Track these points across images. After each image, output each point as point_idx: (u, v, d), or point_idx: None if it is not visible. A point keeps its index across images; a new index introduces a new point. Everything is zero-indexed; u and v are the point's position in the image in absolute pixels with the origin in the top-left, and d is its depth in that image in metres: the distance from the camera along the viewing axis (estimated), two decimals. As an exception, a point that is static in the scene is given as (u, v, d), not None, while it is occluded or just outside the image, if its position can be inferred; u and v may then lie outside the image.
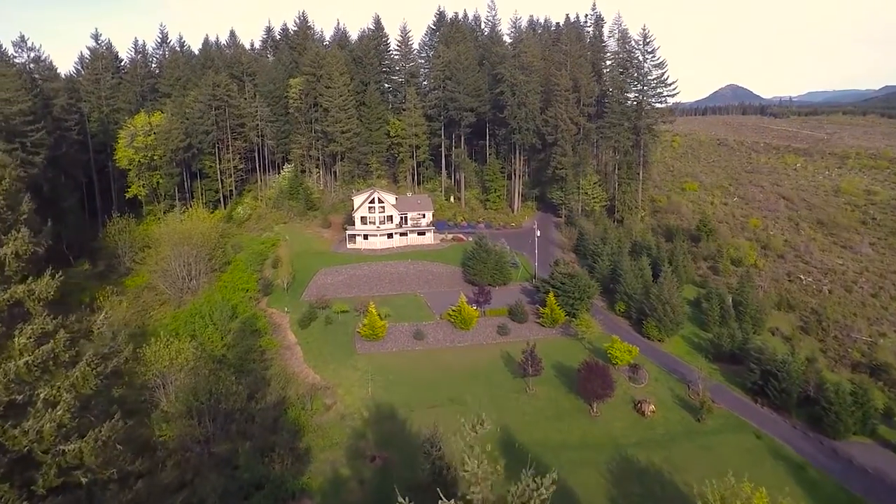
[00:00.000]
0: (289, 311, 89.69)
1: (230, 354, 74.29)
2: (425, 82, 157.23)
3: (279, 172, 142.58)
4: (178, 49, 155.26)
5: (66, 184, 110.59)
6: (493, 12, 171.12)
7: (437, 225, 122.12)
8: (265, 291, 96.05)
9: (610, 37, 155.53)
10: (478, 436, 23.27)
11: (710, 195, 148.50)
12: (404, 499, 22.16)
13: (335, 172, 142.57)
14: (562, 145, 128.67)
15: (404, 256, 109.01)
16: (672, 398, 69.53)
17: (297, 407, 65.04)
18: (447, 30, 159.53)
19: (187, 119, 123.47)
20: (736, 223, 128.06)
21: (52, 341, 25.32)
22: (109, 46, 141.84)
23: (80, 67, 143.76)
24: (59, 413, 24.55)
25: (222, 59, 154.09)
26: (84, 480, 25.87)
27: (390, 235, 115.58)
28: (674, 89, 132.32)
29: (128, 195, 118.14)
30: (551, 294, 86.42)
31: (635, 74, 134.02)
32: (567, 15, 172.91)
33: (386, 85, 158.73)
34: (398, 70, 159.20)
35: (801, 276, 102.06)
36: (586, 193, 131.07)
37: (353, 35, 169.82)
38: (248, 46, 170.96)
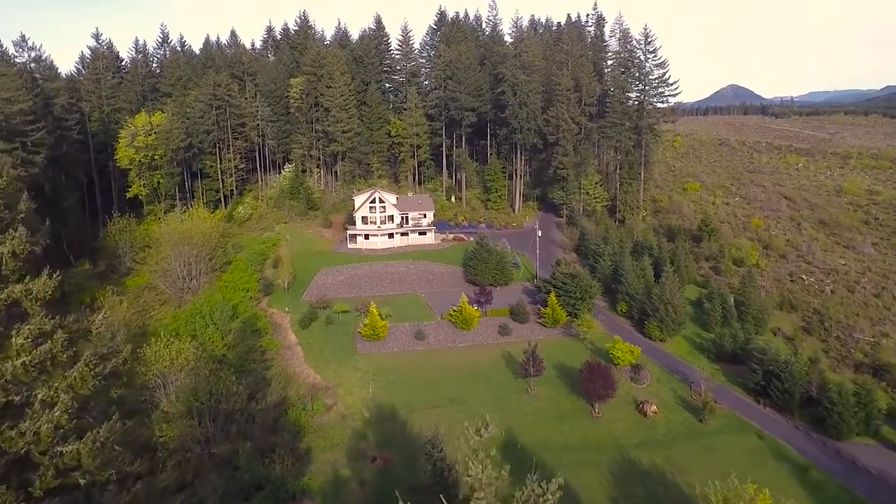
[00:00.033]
0: (289, 311, 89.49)
1: (231, 354, 74.12)
2: (426, 82, 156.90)
3: (280, 172, 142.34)
4: (178, 49, 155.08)
5: (67, 183, 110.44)
6: (494, 12, 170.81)
7: (438, 225, 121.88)
8: (266, 291, 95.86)
9: (611, 36, 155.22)
10: (482, 440, 22.75)
11: (712, 195, 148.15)
12: (406, 502, 21.87)
13: (336, 172, 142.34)
14: (563, 145, 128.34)
15: (405, 256, 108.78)
16: (674, 399, 69.30)
17: (298, 407, 64.86)
18: (448, 29, 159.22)
19: (188, 119, 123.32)
20: (738, 223, 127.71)
21: (49, 342, 25.07)
22: (110, 46, 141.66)
23: (80, 67, 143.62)
24: (56, 414, 24.31)
25: (223, 58, 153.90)
26: (82, 482, 25.67)
27: (391, 235, 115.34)
28: (675, 89, 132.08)
29: (128, 195, 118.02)
30: (553, 294, 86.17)
31: (637, 74, 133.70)
32: (568, 14, 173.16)
33: (387, 84, 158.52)
34: (399, 70, 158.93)
35: (804, 276, 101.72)
36: (588, 193, 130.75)
37: (354, 35, 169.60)
38: (248, 46, 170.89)
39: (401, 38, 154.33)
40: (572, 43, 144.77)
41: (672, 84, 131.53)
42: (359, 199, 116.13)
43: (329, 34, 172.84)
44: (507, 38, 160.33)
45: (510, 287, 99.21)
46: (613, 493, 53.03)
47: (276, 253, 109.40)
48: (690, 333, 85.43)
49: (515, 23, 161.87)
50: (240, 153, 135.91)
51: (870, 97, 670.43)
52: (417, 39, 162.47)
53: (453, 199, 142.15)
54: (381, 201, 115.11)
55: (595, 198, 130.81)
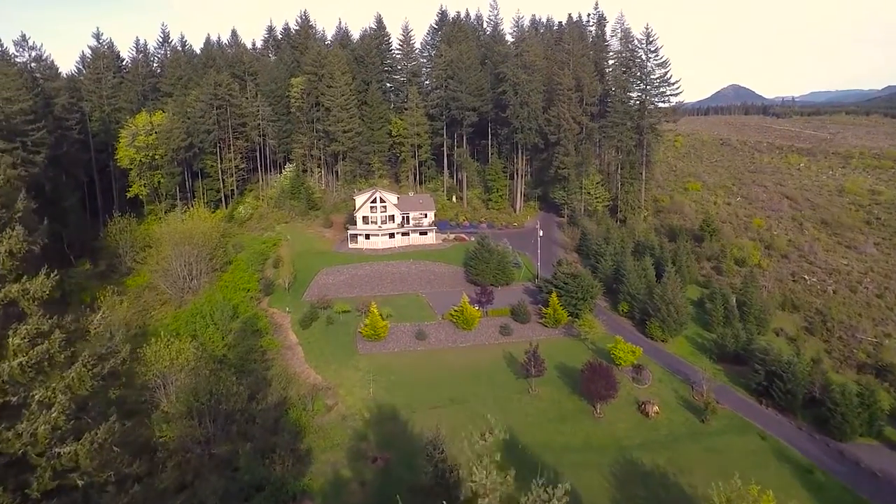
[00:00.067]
0: (290, 311, 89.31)
1: (231, 355, 73.93)
2: (427, 81, 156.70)
3: (281, 172, 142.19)
4: (179, 48, 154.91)
5: (67, 183, 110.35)
6: (496, 11, 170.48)
7: (439, 225, 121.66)
8: (266, 291, 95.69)
9: (612, 36, 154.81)
10: (487, 444, 22.27)
11: (714, 195, 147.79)
12: (407, 504, 21.59)
13: (337, 172, 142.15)
14: (564, 145, 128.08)
15: (406, 256, 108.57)
16: (676, 399, 69.05)
17: (299, 408, 64.63)
18: (449, 29, 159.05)
19: (189, 118, 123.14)
20: (739, 223, 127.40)
21: (46, 342, 24.84)
22: (111, 46, 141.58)
23: (81, 67, 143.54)
24: (53, 415, 24.05)
25: (224, 58, 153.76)
26: (80, 483, 25.45)
27: (392, 235, 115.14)
28: (677, 88, 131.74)
29: (129, 195, 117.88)
30: (554, 294, 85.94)
31: (638, 73, 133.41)
32: (569, 14, 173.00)
33: (388, 84, 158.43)
34: (400, 69, 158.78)
35: (806, 277, 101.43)
36: (589, 193, 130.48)
37: (355, 34, 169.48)
38: (249, 46, 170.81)
39: (402, 37, 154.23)
40: (573, 42, 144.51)
41: (674, 84, 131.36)
42: (360, 199, 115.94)
43: (330, 34, 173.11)
44: (509, 38, 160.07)
45: (511, 287, 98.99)
46: (615, 495, 52.74)
47: (277, 253, 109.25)
48: (692, 334, 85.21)
49: (516, 22, 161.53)
50: (240, 153, 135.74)
51: (871, 97, 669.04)
52: (418, 39, 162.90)
53: (454, 198, 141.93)
54: (382, 201, 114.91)
55: (596, 198, 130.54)
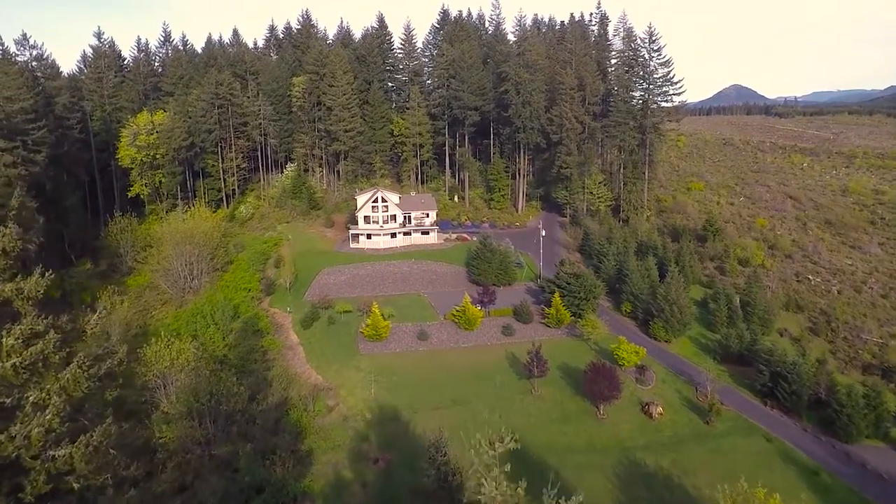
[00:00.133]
0: (291, 311, 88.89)
1: (232, 355, 73.47)
2: (429, 81, 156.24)
3: (282, 171, 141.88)
4: (180, 48, 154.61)
5: (68, 182, 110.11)
6: (498, 11, 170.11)
7: (441, 224, 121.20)
8: (267, 291, 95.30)
9: (615, 35, 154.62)
10: (496, 454, 21.28)
11: (716, 195, 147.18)
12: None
13: (338, 171, 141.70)
14: (567, 144, 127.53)
15: (408, 256, 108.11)
16: (680, 400, 68.49)
17: (299, 408, 64.15)
18: (451, 28, 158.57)
19: (190, 118, 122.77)
20: (742, 223, 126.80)
21: (41, 342, 24.35)
22: (112, 45, 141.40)
23: (82, 66, 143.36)
24: (48, 417, 23.55)
25: (225, 57, 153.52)
26: (76, 486, 24.96)
27: (394, 235, 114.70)
28: (680, 88, 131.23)
29: (130, 194, 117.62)
30: (557, 294, 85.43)
31: (641, 73, 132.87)
32: (571, 14, 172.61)
33: (389, 84, 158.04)
34: (402, 69, 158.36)
35: (810, 277, 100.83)
36: (591, 193, 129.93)
37: (357, 33, 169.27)
38: (251, 45, 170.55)
39: (403, 36, 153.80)
40: (576, 42, 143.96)
41: (676, 83, 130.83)
42: (361, 199, 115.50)
43: (332, 33, 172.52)
44: (511, 37, 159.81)
45: (513, 287, 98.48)
46: (619, 496, 52.24)
47: (278, 252, 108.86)
48: (696, 334, 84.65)
49: (519, 21, 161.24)
50: (242, 152, 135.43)
51: (873, 97, 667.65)
52: (420, 38, 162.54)
53: (456, 198, 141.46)
54: (384, 201, 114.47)
55: (599, 197, 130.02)
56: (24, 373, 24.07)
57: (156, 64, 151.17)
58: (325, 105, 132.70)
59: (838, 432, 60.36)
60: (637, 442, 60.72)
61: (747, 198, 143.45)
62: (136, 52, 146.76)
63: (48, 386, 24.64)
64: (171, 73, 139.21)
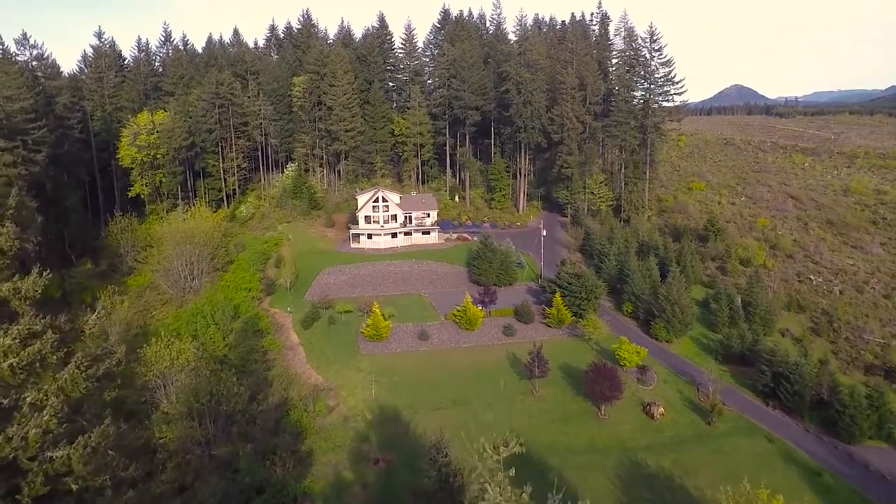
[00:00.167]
0: (291, 311, 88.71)
1: (232, 355, 73.26)
2: (430, 81, 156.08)
3: (283, 171, 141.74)
4: (181, 47, 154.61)
5: (69, 182, 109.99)
6: (499, 10, 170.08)
7: (442, 224, 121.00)
8: (268, 291, 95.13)
9: (616, 35, 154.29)
10: (501, 459, 20.79)
11: (718, 195, 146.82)
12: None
13: (339, 171, 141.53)
14: (568, 144, 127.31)
15: (408, 256, 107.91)
16: (681, 400, 68.23)
17: (300, 409, 63.94)
18: (452, 28, 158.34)
19: (190, 118, 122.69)
20: (744, 223, 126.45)
21: (38, 342, 24.12)
22: (113, 45, 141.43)
23: (83, 66, 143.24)
24: (45, 418, 23.34)
25: (226, 57, 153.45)
26: (74, 488, 24.76)
27: (394, 235, 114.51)
28: (681, 87, 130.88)
29: (130, 194, 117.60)
30: (558, 294, 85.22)
31: (642, 72, 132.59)
32: (572, 13, 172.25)
33: (390, 83, 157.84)
34: (402, 68, 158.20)
35: (811, 277, 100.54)
36: (592, 193, 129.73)
37: (358, 33, 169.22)
38: (251, 45, 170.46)
39: (404, 36, 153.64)
40: (577, 41, 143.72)
41: (678, 83, 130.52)
42: (362, 199, 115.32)
43: (332, 33, 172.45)
44: (512, 37, 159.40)
45: (514, 287, 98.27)
46: (620, 497, 52.00)
47: (279, 252, 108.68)
48: (697, 334, 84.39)
49: (519, 21, 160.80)
50: (242, 152, 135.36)
51: (874, 97, 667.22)
52: (421, 38, 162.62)
53: (457, 198, 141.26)
54: (385, 200, 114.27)
55: (600, 197, 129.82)
56: (21, 373, 23.86)
57: (156, 64, 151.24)
58: (325, 105, 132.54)
59: (841, 433, 60.04)
60: (638, 442, 60.46)
61: (748, 198, 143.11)
62: (136, 51, 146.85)
63: (46, 386, 24.43)
64: (172, 72, 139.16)
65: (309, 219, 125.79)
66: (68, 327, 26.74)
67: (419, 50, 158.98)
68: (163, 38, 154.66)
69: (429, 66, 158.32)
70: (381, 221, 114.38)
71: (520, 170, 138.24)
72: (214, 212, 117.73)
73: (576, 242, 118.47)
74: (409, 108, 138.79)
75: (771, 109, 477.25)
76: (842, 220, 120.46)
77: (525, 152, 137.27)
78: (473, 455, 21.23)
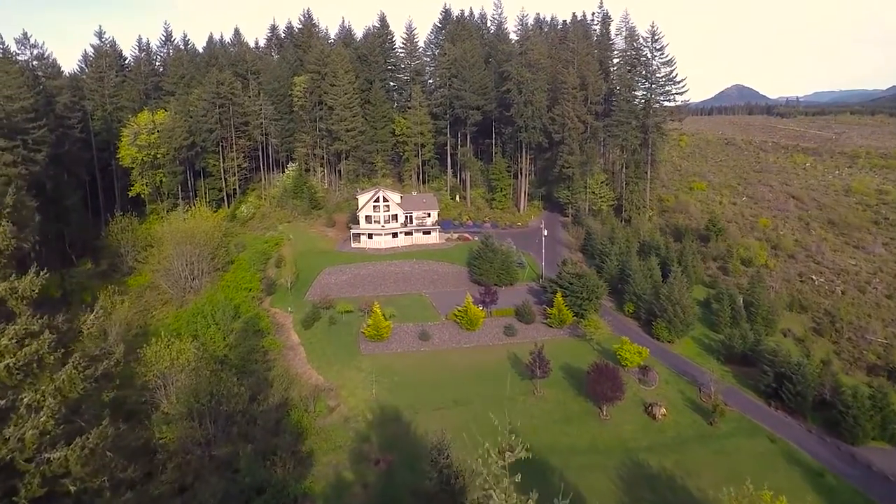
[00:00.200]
0: (292, 311, 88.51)
1: (232, 355, 73.03)
2: (431, 80, 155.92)
3: (283, 171, 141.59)
4: (182, 47, 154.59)
5: (69, 182, 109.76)
6: (500, 10, 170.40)
7: (443, 224, 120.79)
8: (268, 291, 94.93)
9: (617, 35, 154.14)
10: (506, 464, 20.26)
11: (719, 195, 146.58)
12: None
13: (340, 171, 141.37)
14: (569, 144, 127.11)
15: (409, 256, 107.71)
16: (683, 401, 67.97)
17: (300, 409, 63.71)
18: (453, 27, 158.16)
19: (191, 117, 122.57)
20: (745, 223, 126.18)
21: (36, 342, 23.90)
22: (113, 44, 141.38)
23: (83, 65, 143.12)
24: (42, 419, 23.11)
25: (226, 57, 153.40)
26: (72, 489, 24.54)
27: (395, 235, 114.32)
28: (682, 87, 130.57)
29: (131, 193, 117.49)
30: (559, 294, 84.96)
31: (643, 72, 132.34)
32: (573, 13, 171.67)
33: (391, 83, 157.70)
34: (403, 68, 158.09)
35: (813, 277, 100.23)
36: (593, 192, 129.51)
37: (359, 33, 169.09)
38: (252, 44, 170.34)
39: (405, 36, 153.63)
40: (578, 41, 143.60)
41: (679, 82, 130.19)
42: (362, 199, 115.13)
43: (333, 32, 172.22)
44: (513, 36, 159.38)
45: (515, 287, 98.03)
46: (622, 498, 51.78)
47: (279, 252, 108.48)
48: (699, 334, 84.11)
49: (521, 21, 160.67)
50: (243, 152, 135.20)
51: (875, 97, 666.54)
52: (422, 38, 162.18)
53: (458, 198, 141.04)
54: (385, 200, 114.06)
55: (601, 197, 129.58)
56: (17, 374, 23.64)
57: (157, 63, 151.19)
58: (326, 104, 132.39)
59: (843, 433, 59.78)
60: (640, 443, 60.23)
61: (750, 197, 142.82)
62: (137, 51, 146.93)
63: (43, 387, 24.20)
64: (173, 72, 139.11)
65: (309, 218, 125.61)
66: (66, 327, 26.52)
67: (420, 49, 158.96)
68: (163, 38, 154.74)
69: (430, 66, 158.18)
70: (382, 221, 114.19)
71: (521, 169, 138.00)
72: (215, 211, 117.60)
73: (577, 242, 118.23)
74: (409, 108, 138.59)
75: (772, 109, 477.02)
76: (843, 220, 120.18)
77: (526, 152, 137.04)
78: (477, 459, 20.71)
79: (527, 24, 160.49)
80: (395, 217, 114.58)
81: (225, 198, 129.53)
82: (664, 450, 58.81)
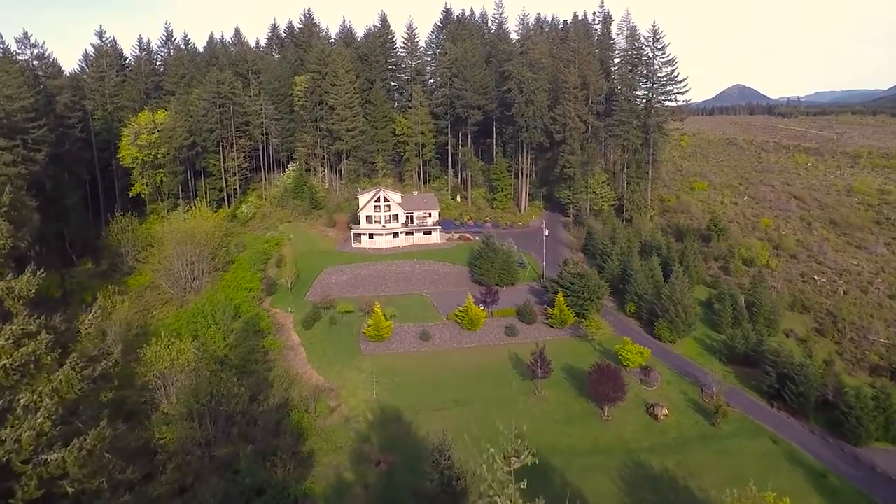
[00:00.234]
0: (292, 311, 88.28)
1: (232, 355, 72.88)
2: (432, 80, 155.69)
3: (284, 171, 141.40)
4: (182, 47, 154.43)
5: (70, 181, 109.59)
6: (501, 10, 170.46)
7: (444, 224, 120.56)
8: (269, 291, 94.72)
9: (618, 34, 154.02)
10: (512, 470, 19.82)
11: (720, 194, 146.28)
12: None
13: (340, 171, 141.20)
14: (570, 143, 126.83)
15: (410, 256, 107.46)
16: (685, 401, 67.70)
17: (300, 409, 63.52)
18: (454, 27, 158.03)
19: (191, 117, 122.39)
20: (747, 223, 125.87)
21: (33, 343, 23.66)
22: (114, 44, 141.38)
23: (84, 65, 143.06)
24: (39, 420, 22.86)
25: (227, 56, 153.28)
26: (70, 491, 24.30)
27: (396, 234, 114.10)
28: (684, 86, 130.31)
29: (131, 193, 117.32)
30: (560, 294, 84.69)
31: (645, 72, 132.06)
32: (574, 13, 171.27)
33: (392, 83, 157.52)
34: (404, 68, 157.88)
35: (815, 277, 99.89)
36: (595, 192, 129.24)
37: (359, 32, 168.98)
38: (253, 44, 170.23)
39: (406, 35, 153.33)
40: (579, 40, 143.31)
41: (681, 82, 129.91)
42: (363, 198, 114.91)
43: (334, 32, 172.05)
44: (514, 36, 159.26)
45: (516, 287, 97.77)
46: (624, 499, 51.51)
47: (280, 252, 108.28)
48: (701, 335, 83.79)
49: (522, 20, 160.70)
50: (243, 152, 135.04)
51: (877, 97, 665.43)
52: (423, 37, 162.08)
53: (458, 198, 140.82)
54: (386, 200, 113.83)
55: (602, 197, 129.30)
56: (14, 374, 23.39)
57: (157, 63, 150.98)
58: (327, 104, 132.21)
59: (847, 434, 59.47)
60: (642, 444, 59.98)
61: (751, 197, 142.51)
62: (137, 51, 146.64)
63: (40, 388, 23.95)
64: (173, 72, 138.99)
65: (310, 218, 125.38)
66: (64, 328, 26.27)
67: (421, 49, 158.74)
68: (164, 38, 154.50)
69: (430, 66, 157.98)
70: (383, 221, 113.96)
71: (522, 169, 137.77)
72: (215, 211, 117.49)
73: (578, 242, 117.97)
74: (410, 108, 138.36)
75: (773, 109, 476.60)
76: (845, 220, 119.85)
77: (527, 152, 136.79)
78: (481, 465, 20.26)
79: (528, 23, 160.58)
80: (395, 217, 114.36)
81: (225, 198, 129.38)
82: (666, 451, 58.53)
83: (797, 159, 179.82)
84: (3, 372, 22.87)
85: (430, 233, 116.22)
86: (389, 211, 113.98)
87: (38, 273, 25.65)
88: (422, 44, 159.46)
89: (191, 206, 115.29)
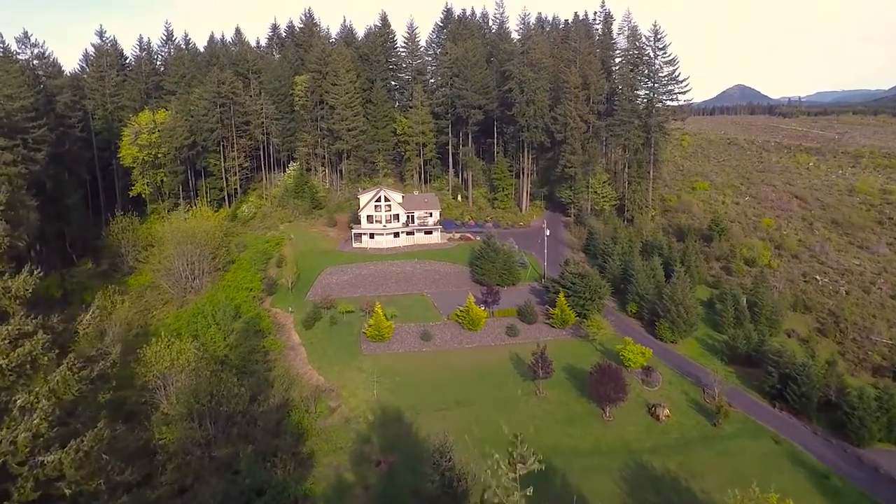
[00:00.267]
0: (293, 311, 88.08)
1: (233, 355, 72.66)
2: (432, 80, 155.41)
3: (284, 171, 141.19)
4: (183, 46, 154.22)
5: (70, 181, 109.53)
6: (501, 9, 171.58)
7: (445, 224, 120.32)
8: (269, 291, 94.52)
9: (619, 34, 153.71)
10: (517, 476, 19.42)
11: (722, 194, 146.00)
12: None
13: (341, 171, 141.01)
14: (571, 143, 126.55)
15: (411, 256, 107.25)
16: (687, 402, 67.52)
17: (301, 410, 63.33)
18: (455, 27, 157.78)
19: (192, 117, 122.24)
20: (748, 223, 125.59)
21: (29, 343, 23.42)
22: (114, 44, 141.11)
23: (84, 65, 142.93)
24: (35, 421, 22.64)
25: (228, 56, 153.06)
26: (67, 492, 24.07)
27: (397, 234, 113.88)
28: (685, 86, 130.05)
29: (131, 193, 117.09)
30: (561, 294, 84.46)
31: (646, 71, 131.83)
32: (575, 12, 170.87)
33: (392, 82, 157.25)
34: (405, 67, 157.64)
35: (817, 277, 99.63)
36: (596, 192, 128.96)
37: (360, 32, 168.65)
38: (253, 44, 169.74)
39: (407, 35, 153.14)
40: (580, 40, 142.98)
41: (682, 82, 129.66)
42: (364, 198, 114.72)
43: (334, 32, 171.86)
44: (515, 36, 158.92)
45: (517, 287, 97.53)
46: (626, 500, 51.33)
47: (280, 252, 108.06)
48: (702, 335, 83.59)
49: (522, 20, 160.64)
50: (244, 151, 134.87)
51: (878, 97, 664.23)
52: (423, 37, 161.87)
53: (459, 197, 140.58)
54: (387, 200, 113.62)
55: (603, 197, 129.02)
56: (10, 375, 23.15)
57: (158, 63, 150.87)
58: (327, 104, 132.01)
59: (849, 435, 59.27)
60: (644, 444, 59.81)
61: (753, 197, 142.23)
62: (138, 50, 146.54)
63: (36, 389, 23.71)
64: (174, 71, 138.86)
65: (311, 218, 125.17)
66: (62, 328, 26.04)
67: (422, 49, 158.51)
68: (164, 38, 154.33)
69: (431, 65, 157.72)
70: (384, 221, 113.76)
71: (522, 169, 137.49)
72: (216, 211, 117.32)
73: (579, 242, 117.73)
74: (411, 108, 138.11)
75: (774, 109, 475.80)
76: (847, 219, 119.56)
77: (528, 152, 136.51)
78: (486, 470, 19.82)
79: (528, 23, 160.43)
80: (396, 217, 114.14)
81: (226, 197, 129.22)
82: (668, 451, 58.38)
83: (798, 159, 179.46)
84: (-1, 372, 22.67)
85: (430, 233, 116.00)
86: (390, 211, 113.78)
87: (36, 273, 25.41)
88: (422, 43, 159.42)
89: (191, 206, 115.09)
